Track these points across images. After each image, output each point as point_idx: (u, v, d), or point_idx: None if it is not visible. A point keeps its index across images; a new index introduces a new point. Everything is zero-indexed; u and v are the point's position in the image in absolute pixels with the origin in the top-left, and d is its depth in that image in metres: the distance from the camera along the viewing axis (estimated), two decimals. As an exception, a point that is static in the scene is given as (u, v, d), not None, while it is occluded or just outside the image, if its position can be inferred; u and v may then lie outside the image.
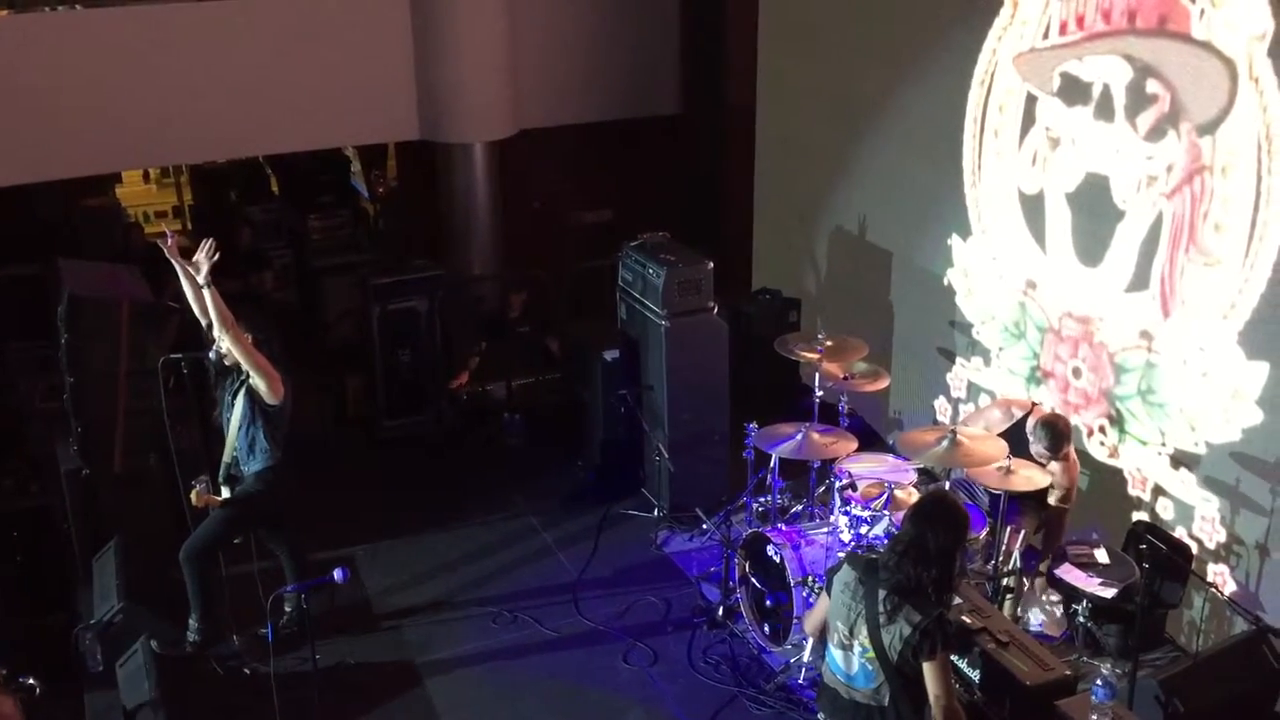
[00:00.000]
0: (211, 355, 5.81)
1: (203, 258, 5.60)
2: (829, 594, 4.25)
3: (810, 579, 5.87)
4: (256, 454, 5.92)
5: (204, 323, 5.83)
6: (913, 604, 3.97)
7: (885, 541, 4.76)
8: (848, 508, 6.00)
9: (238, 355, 5.69)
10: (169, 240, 5.74)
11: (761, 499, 7.00)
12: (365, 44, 9.12)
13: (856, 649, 4.12)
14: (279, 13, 8.94)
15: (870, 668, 4.09)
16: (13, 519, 7.06)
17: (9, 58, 8.05)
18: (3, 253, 9.72)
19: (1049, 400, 6.74)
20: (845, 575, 4.20)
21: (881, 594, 4.02)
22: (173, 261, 5.73)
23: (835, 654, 4.22)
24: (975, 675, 4.78)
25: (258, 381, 5.75)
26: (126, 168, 11.90)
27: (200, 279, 5.62)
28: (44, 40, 8.19)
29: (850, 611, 4.12)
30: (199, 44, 8.59)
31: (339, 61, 9.02)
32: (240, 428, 5.87)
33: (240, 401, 5.84)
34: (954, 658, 4.83)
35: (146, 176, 13.63)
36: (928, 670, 3.95)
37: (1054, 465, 5.98)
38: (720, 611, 6.53)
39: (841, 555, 4.51)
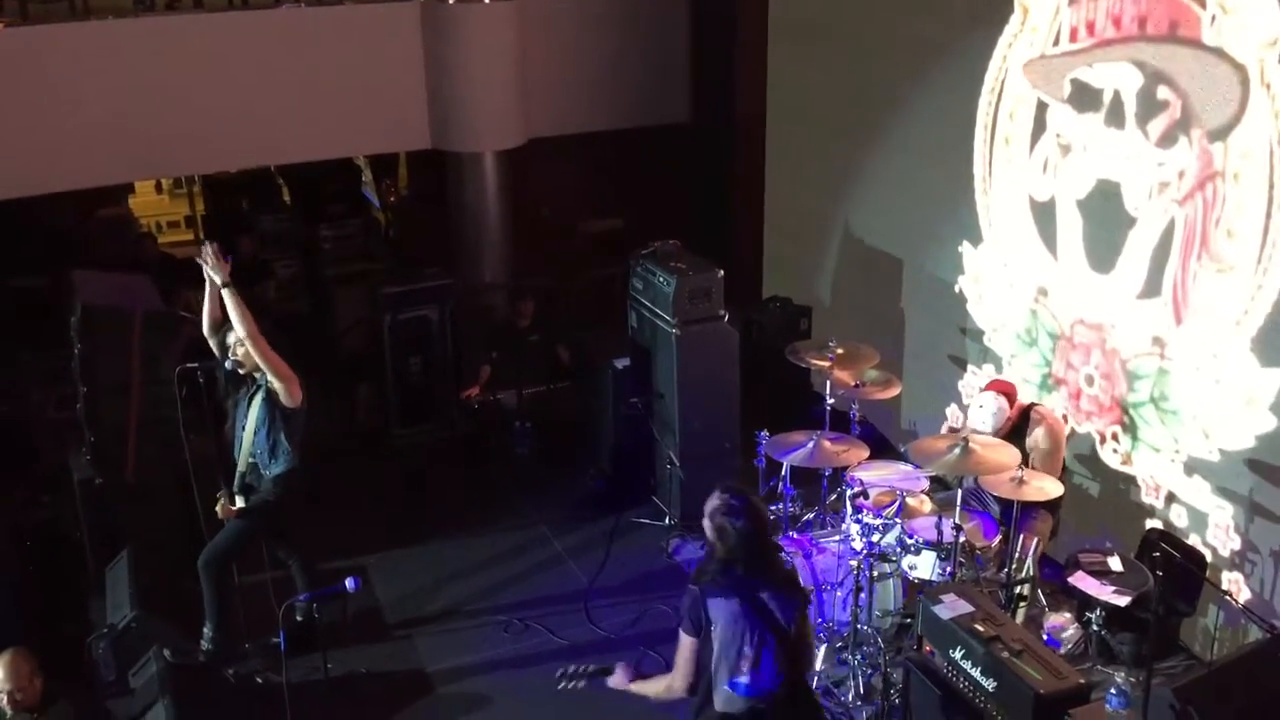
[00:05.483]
0: (227, 365, 5.83)
1: (213, 260, 5.64)
2: (709, 635, 4.16)
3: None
4: (279, 456, 5.93)
5: (206, 331, 5.86)
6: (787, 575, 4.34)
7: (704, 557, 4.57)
8: (859, 515, 5.99)
9: (259, 360, 5.71)
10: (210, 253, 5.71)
11: (773, 507, 6.98)
12: (376, 53, 9.14)
13: (766, 657, 4.16)
14: (290, 23, 8.99)
15: (777, 664, 4.17)
16: (26, 529, 7.08)
17: (21, 69, 8.09)
18: (16, 263, 9.77)
19: (1060, 407, 6.73)
20: (727, 607, 4.13)
21: (766, 594, 4.14)
22: (206, 270, 5.74)
23: (741, 680, 4.19)
24: (990, 684, 4.75)
25: (277, 384, 5.77)
26: (139, 178, 11.93)
27: (219, 279, 5.65)
28: (56, 51, 8.22)
29: (750, 630, 4.13)
30: (211, 54, 8.62)
31: (350, 71, 9.05)
32: (258, 431, 5.88)
33: (258, 406, 5.85)
34: (963, 662, 4.82)
35: (159, 187, 13.68)
36: None
37: (1038, 432, 6.17)
38: (732, 620, 6.51)
39: (694, 589, 4.21)
